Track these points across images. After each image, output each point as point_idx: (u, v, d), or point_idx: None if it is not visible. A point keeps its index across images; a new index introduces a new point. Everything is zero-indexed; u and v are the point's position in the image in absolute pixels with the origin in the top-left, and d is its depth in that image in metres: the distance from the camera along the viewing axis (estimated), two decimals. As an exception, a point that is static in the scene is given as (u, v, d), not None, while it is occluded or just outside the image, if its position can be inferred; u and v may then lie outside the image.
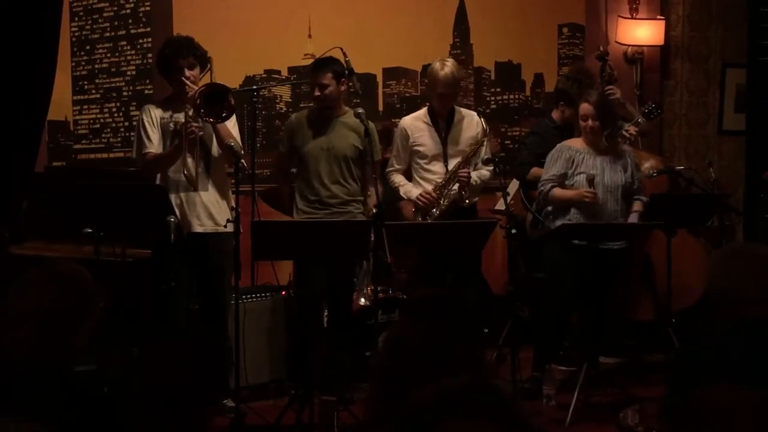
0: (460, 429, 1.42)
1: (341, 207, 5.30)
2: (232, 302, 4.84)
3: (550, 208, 5.43)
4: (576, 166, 5.35)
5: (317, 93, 5.26)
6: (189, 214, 4.97)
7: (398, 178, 5.56)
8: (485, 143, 5.50)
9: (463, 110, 5.63)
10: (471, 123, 5.54)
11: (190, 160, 4.93)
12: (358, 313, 5.54)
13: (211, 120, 4.82)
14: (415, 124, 5.54)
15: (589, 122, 5.31)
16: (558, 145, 5.49)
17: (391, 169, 5.59)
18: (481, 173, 5.49)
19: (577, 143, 5.43)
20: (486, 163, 5.40)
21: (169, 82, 5.10)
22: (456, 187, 5.36)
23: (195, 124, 4.85)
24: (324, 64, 5.28)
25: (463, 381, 1.50)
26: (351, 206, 5.33)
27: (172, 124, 5.01)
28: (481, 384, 1.50)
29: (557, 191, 5.35)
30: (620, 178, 5.34)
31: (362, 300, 5.70)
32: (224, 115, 4.81)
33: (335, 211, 5.26)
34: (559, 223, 5.30)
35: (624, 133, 5.83)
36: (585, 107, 5.34)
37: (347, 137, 5.34)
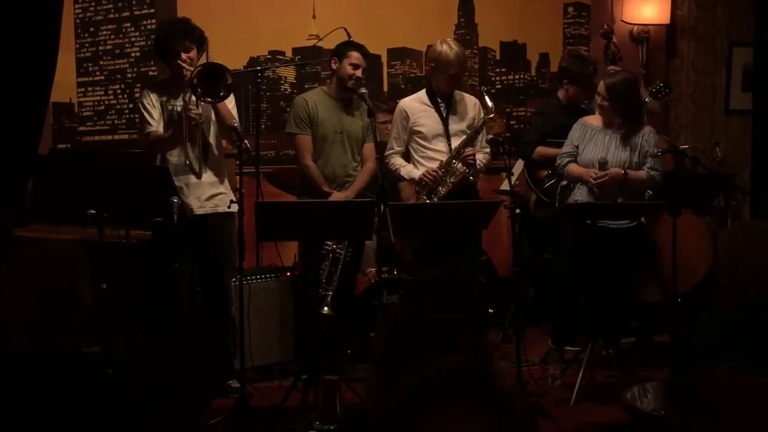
0: (448, 413, 1.41)
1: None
2: (236, 283, 4.83)
3: (564, 183, 5.51)
4: (586, 142, 5.38)
5: (359, 74, 5.27)
6: (189, 197, 4.97)
7: (398, 161, 5.50)
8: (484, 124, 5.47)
9: (461, 92, 5.59)
10: (470, 104, 5.53)
11: (190, 148, 4.94)
12: (363, 293, 5.54)
13: (209, 100, 4.79)
14: (415, 105, 5.50)
15: (599, 100, 5.36)
16: (578, 120, 5.53)
17: (390, 151, 5.52)
18: (483, 156, 5.45)
19: (594, 120, 5.49)
20: (489, 142, 5.37)
21: (166, 65, 5.10)
22: (460, 165, 5.33)
23: (195, 111, 4.84)
24: (360, 44, 5.34)
25: (454, 364, 1.49)
26: None
27: (169, 107, 4.99)
28: (471, 367, 1.49)
29: (572, 167, 5.42)
30: (626, 156, 5.33)
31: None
32: (222, 94, 4.78)
33: None
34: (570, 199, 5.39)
35: None
36: (599, 86, 5.40)
37: (358, 119, 5.38)
